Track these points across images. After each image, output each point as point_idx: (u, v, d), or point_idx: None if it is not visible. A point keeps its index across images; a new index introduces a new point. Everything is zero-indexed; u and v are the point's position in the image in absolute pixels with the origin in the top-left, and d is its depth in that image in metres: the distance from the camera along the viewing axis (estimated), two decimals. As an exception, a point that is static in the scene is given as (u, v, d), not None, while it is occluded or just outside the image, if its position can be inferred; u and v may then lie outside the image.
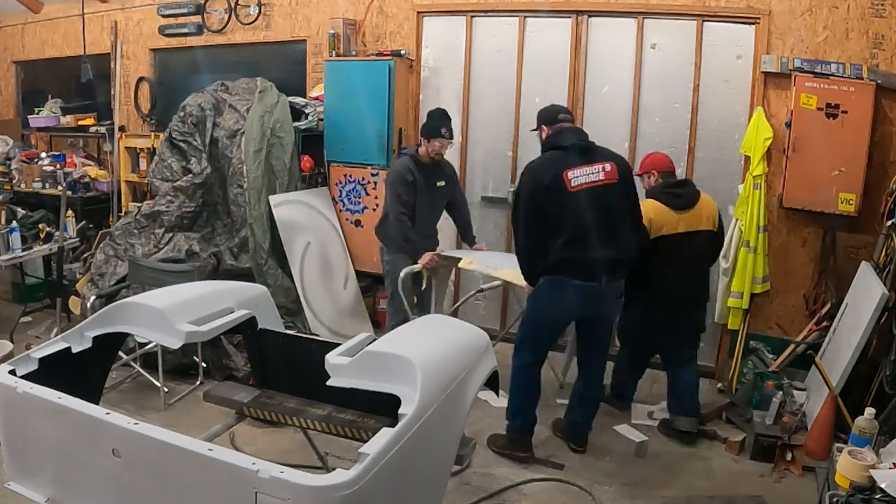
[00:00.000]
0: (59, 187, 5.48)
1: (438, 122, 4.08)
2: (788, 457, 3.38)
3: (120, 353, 3.73)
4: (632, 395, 4.06)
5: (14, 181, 5.97)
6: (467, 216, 4.48)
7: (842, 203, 3.90)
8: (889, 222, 3.63)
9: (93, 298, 4.24)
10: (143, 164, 5.93)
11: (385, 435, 1.79)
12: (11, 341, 4.40)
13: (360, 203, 5.16)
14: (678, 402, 3.73)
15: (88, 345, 2.35)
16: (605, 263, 3.16)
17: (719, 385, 4.34)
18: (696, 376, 3.79)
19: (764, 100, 4.17)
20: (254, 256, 4.58)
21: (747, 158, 4.16)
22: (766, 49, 4.13)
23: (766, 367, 4.07)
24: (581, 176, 3.14)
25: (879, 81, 3.84)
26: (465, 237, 4.48)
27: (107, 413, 1.87)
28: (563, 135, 3.27)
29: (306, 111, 5.12)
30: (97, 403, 2.14)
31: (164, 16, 6.11)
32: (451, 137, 4.10)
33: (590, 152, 3.23)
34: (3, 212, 4.90)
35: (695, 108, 4.39)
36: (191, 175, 4.78)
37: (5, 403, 2.06)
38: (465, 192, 4.75)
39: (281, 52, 5.74)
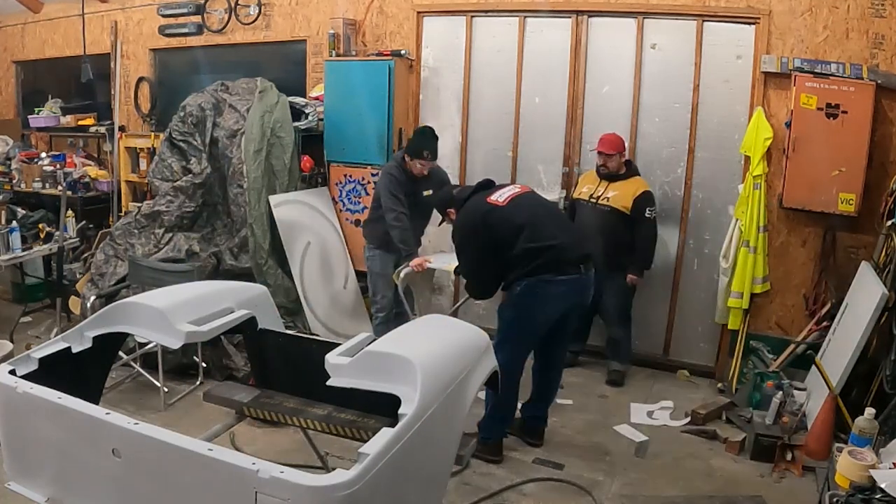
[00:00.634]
0: (59, 187, 5.48)
1: (422, 144, 4.09)
2: (788, 457, 3.38)
3: (120, 353, 3.73)
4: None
5: (14, 181, 5.97)
6: None
7: (842, 203, 3.90)
8: (889, 222, 3.63)
9: (93, 298, 4.24)
10: (143, 164, 5.92)
11: (385, 435, 1.79)
12: (11, 341, 4.40)
13: (360, 203, 5.16)
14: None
15: (88, 345, 2.35)
16: (576, 252, 3.26)
17: (719, 385, 4.35)
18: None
19: (764, 100, 4.17)
20: (254, 256, 4.59)
21: (747, 158, 4.16)
22: (766, 49, 4.13)
23: (766, 367, 4.06)
24: (502, 195, 3.33)
25: (879, 81, 3.84)
26: None
27: (107, 413, 1.87)
28: (464, 190, 3.59)
29: (306, 111, 5.12)
30: (97, 403, 2.14)
31: (164, 16, 6.11)
32: (433, 159, 4.14)
33: (495, 184, 3.49)
34: (3, 212, 4.90)
35: (695, 108, 4.39)
36: (191, 175, 4.78)
37: (5, 403, 2.06)
38: (466, 193, 4.74)
39: (281, 52, 5.75)
